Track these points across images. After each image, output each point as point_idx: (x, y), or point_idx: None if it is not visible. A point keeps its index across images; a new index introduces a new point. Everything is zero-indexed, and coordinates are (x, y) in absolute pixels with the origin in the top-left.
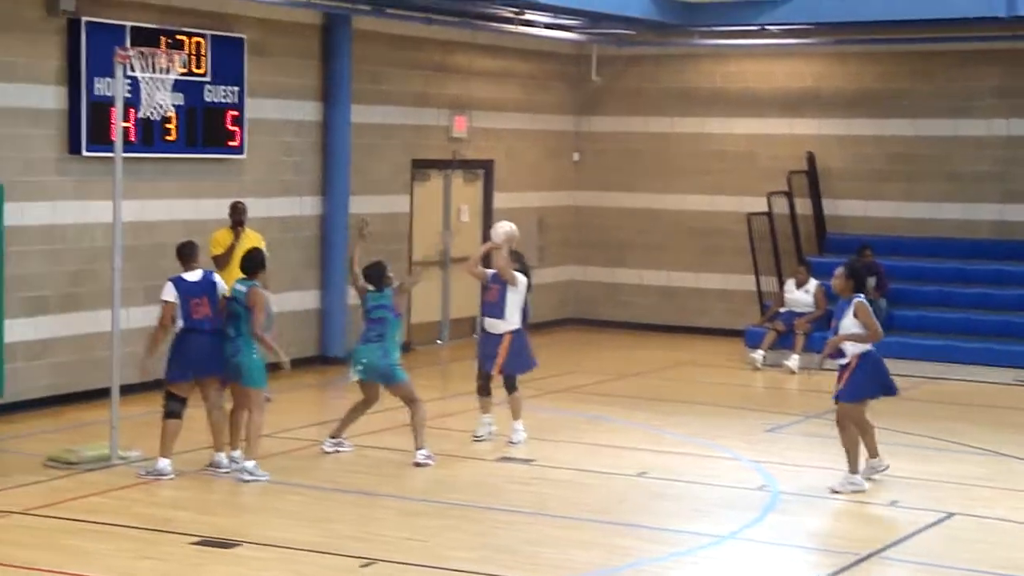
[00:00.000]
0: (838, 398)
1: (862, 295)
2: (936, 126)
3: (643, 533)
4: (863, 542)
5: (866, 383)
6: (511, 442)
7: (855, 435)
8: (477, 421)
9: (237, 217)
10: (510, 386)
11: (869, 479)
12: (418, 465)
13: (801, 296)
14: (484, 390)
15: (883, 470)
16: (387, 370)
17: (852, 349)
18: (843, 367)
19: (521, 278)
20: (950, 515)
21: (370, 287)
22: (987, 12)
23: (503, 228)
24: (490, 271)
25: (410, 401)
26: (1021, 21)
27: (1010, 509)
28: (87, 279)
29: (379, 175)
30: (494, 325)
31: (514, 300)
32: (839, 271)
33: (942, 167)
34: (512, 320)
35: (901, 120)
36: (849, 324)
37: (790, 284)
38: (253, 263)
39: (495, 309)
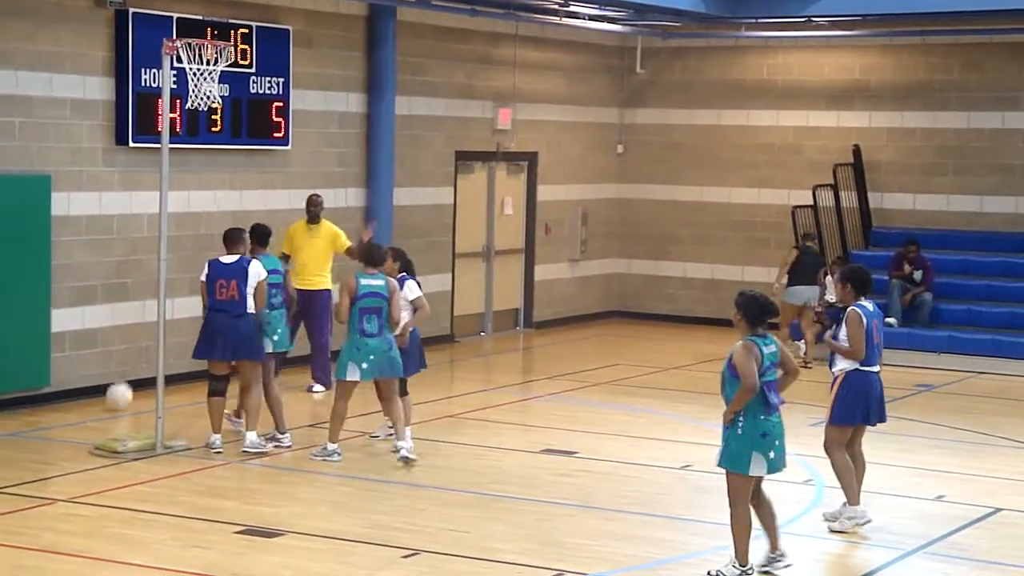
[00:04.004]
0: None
1: (861, 304)
2: (986, 119)
3: (687, 526)
4: (909, 537)
5: (846, 408)
6: (396, 449)
7: (843, 461)
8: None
9: (312, 210)
10: (401, 390)
11: (844, 529)
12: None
13: None
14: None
15: (863, 523)
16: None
17: (840, 364)
18: (834, 381)
19: (411, 290)
20: (998, 510)
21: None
22: None
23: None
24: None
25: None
26: None
27: None
28: (133, 269)
29: (423, 167)
30: None
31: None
32: (836, 277)
33: (991, 160)
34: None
35: (950, 113)
36: (844, 334)
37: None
38: (377, 257)
39: None
